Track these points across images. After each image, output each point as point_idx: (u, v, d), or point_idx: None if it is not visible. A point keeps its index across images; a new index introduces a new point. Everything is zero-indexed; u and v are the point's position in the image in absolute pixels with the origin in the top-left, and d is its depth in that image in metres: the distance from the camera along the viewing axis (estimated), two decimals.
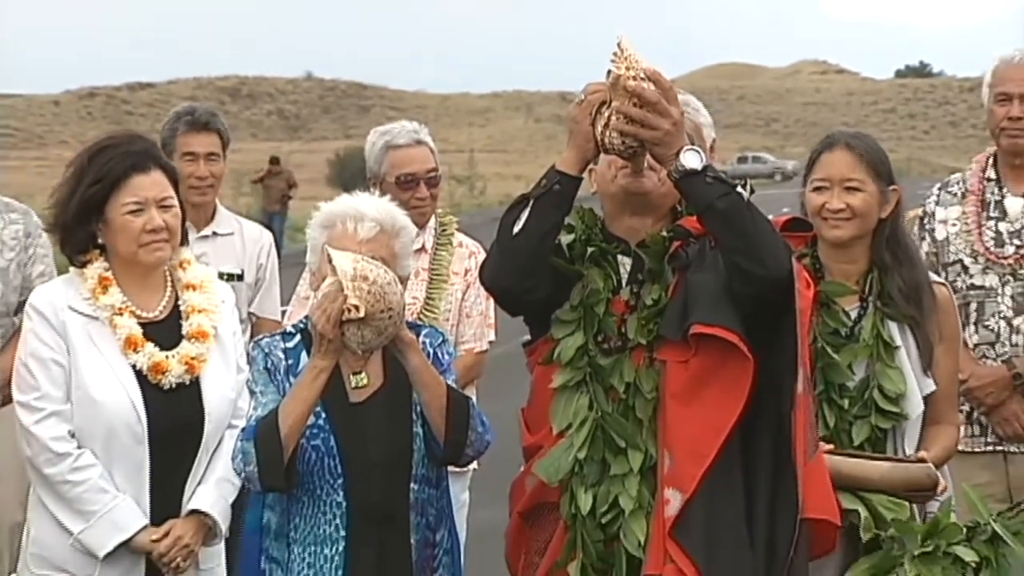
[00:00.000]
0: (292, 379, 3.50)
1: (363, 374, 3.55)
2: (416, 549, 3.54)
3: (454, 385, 3.56)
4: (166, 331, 3.82)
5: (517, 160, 59.93)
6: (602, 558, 3.26)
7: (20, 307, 4.80)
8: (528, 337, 3.49)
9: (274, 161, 29.15)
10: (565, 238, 3.38)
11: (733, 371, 3.21)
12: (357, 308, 3.33)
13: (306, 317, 3.58)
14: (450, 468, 3.71)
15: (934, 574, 2.86)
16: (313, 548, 3.49)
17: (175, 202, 3.79)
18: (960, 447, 4.18)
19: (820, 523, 3.23)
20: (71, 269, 3.87)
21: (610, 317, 3.33)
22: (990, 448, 4.90)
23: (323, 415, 3.49)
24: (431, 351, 3.57)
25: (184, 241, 3.90)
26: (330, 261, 3.39)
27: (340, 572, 3.46)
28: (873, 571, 2.85)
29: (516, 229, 3.26)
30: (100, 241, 3.82)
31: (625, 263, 3.38)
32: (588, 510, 3.25)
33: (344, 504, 3.48)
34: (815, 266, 3.72)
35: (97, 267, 3.81)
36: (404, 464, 3.53)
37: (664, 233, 3.37)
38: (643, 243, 3.37)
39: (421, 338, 3.57)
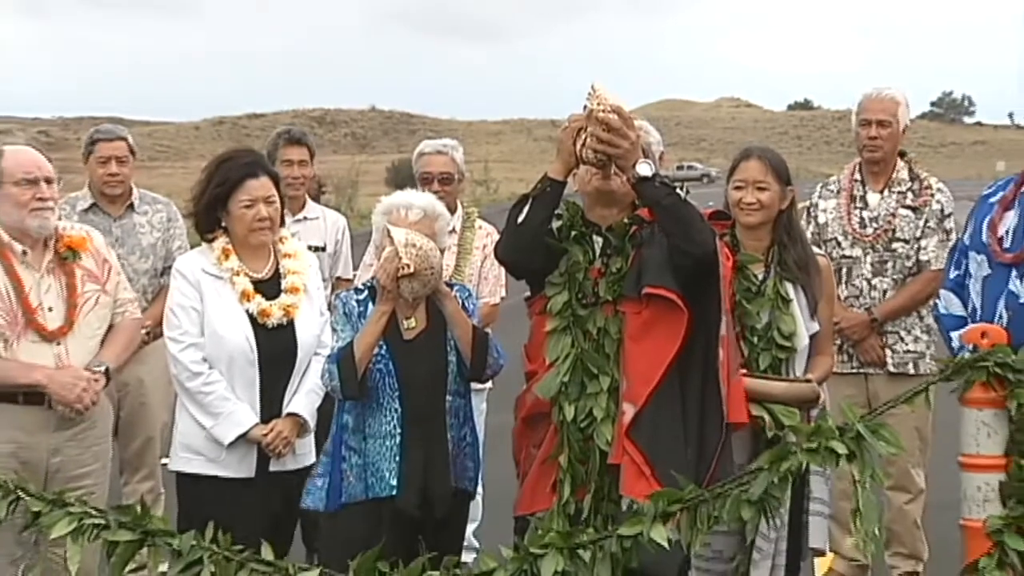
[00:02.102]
0: (363, 320, 3.53)
1: (413, 319, 3.56)
2: (449, 442, 3.54)
3: (478, 325, 3.56)
4: (270, 287, 3.81)
5: (520, 168, 59.74)
6: (583, 451, 3.26)
7: (164, 271, 4.82)
8: (528, 293, 3.47)
9: None
10: (555, 223, 3.36)
11: (673, 319, 3.21)
12: (408, 266, 3.36)
13: (372, 278, 3.59)
14: (473, 385, 3.70)
15: (816, 461, 2.82)
16: (379, 441, 3.49)
17: (276, 199, 3.79)
18: (834, 370, 4.17)
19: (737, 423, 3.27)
20: (203, 244, 3.85)
21: (587, 280, 3.32)
22: (855, 371, 4.90)
23: (384, 347, 3.50)
24: (461, 302, 3.57)
25: (282, 223, 3.88)
26: (388, 234, 3.43)
27: (397, 458, 3.47)
28: (773, 459, 2.82)
29: (520, 219, 3.27)
30: (223, 224, 3.79)
31: (598, 241, 3.36)
32: (572, 418, 3.25)
33: (399, 410, 3.49)
34: (733, 243, 3.70)
35: (221, 242, 3.80)
36: (441, 382, 3.53)
37: (626, 220, 3.36)
38: (611, 227, 3.36)
39: (453, 292, 3.57)
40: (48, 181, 3.73)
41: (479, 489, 4.28)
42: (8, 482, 2.79)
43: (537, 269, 3.36)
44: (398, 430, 3.47)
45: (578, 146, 3.21)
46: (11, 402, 3.64)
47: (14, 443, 3.65)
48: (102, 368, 3.77)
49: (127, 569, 2.77)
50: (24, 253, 3.71)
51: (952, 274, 3.72)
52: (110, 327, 3.89)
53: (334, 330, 3.64)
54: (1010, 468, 3.06)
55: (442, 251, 3.56)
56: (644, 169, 3.17)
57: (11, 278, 3.66)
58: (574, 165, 3.28)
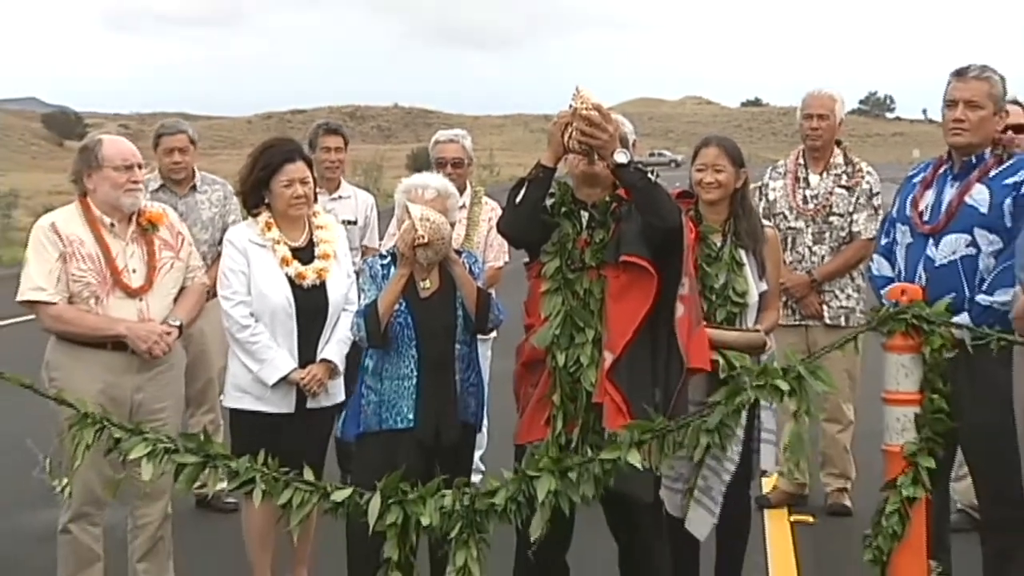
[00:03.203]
0: (386, 282, 3.50)
1: (427, 280, 3.54)
2: (458, 383, 3.53)
3: (482, 287, 3.56)
4: (306, 253, 3.80)
5: (519, 155, 59.38)
6: (572, 392, 3.24)
7: (221, 241, 4.78)
8: (527, 259, 3.44)
9: None
10: (549, 201, 3.33)
11: (645, 283, 3.18)
12: (423, 237, 3.34)
13: (393, 246, 3.57)
14: (480, 336, 3.69)
15: (763, 396, 2.81)
16: (397, 382, 3.47)
17: (310, 179, 3.80)
18: (780, 322, 4.16)
19: (698, 368, 3.23)
20: (249, 217, 3.83)
21: (575, 249, 3.28)
22: (797, 323, 4.92)
23: (404, 304, 3.48)
24: (468, 267, 3.55)
25: (315, 200, 3.86)
26: (407, 210, 3.41)
27: (414, 396, 3.46)
28: (728, 394, 2.81)
29: (518, 199, 3.23)
30: (267, 201, 3.77)
31: (584, 216, 3.33)
32: (563, 364, 3.21)
33: (416, 356, 3.47)
34: (696, 217, 3.67)
35: (264, 216, 3.80)
36: (451, 333, 3.51)
37: (607, 198, 3.32)
38: (595, 204, 3.32)
39: (462, 259, 3.56)
40: (140, 166, 3.78)
41: (484, 422, 4.28)
42: (95, 414, 2.80)
43: (533, 240, 3.33)
44: (415, 373, 3.46)
45: (566, 137, 3.18)
46: (101, 348, 3.68)
47: (103, 382, 3.69)
48: (177, 323, 3.80)
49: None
50: (112, 225, 3.75)
51: (883, 241, 3.75)
52: (182, 288, 3.91)
53: (361, 290, 3.62)
54: (923, 402, 3.10)
55: (452, 224, 3.55)
56: (621, 156, 3.15)
57: (101, 246, 3.70)
58: (563, 153, 3.24)
